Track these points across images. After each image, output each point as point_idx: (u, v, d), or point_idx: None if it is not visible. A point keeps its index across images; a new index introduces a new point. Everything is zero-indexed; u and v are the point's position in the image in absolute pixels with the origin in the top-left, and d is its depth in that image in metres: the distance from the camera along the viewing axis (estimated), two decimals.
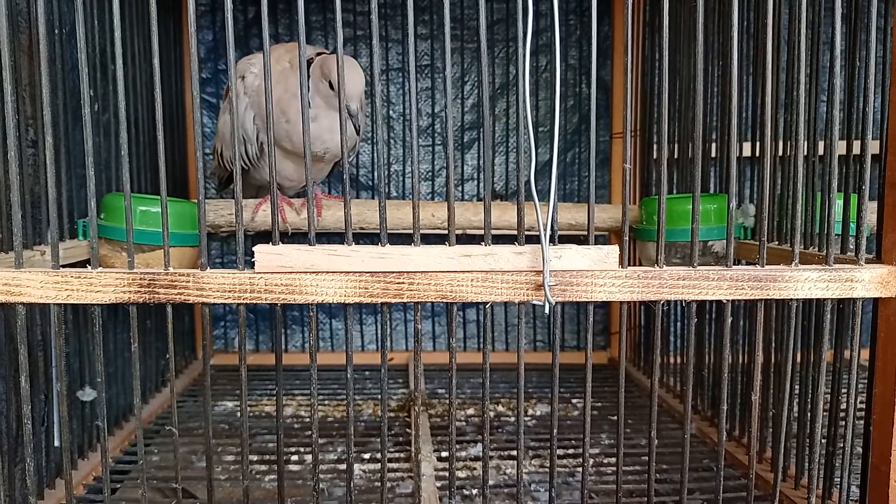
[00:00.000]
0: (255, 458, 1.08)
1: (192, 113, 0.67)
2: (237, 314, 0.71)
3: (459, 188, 1.65)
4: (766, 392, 0.98)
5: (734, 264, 0.73)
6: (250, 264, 0.69)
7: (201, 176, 0.68)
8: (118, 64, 0.66)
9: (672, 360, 1.38)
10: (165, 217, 0.69)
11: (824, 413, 0.84)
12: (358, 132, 1.11)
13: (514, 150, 1.66)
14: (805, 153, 0.90)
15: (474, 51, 1.62)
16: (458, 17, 1.61)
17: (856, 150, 0.77)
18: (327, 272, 0.68)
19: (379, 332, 1.65)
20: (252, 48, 1.59)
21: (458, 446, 1.11)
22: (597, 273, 0.69)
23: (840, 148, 0.78)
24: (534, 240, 0.68)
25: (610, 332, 1.69)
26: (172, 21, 1.42)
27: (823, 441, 0.86)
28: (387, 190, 1.64)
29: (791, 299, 0.72)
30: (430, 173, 1.66)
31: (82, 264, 0.85)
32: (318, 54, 1.12)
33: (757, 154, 1.07)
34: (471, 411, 1.30)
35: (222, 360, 1.63)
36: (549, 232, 0.67)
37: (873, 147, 0.73)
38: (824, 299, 0.73)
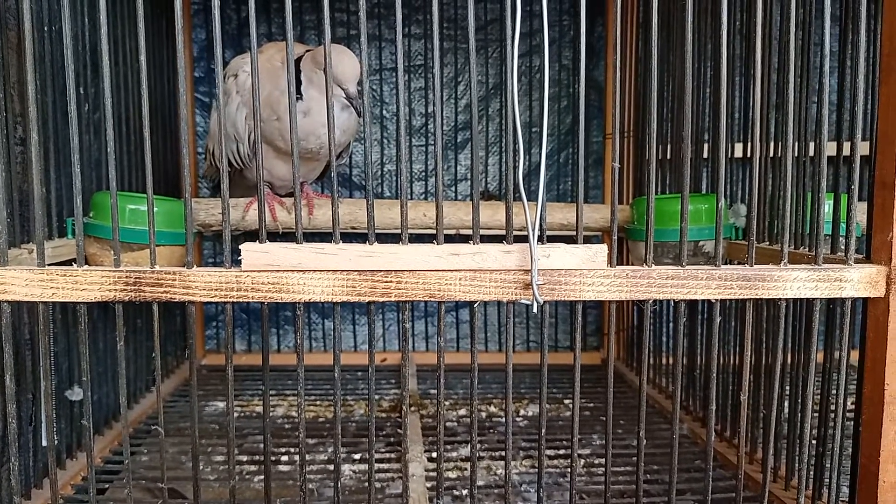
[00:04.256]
0: (245, 458, 1.07)
1: (181, 111, 0.67)
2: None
3: (453, 188, 1.65)
4: (757, 392, 0.98)
5: (725, 264, 0.72)
6: (239, 263, 0.69)
7: (189, 174, 0.68)
8: (105, 61, 0.66)
9: (664, 361, 1.38)
10: (151, 215, 0.69)
11: (814, 414, 0.84)
12: (359, 115, 1.08)
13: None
14: (795, 154, 0.90)
15: (468, 51, 1.61)
16: (451, 18, 1.61)
17: (846, 150, 0.77)
18: (314, 271, 0.68)
19: (368, 331, 1.64)
20: (245, 47, 1.58)
21: (449, 447, 1.11)
22: (585, 272, 0.69)
23: (831, 149, 0.78)
24: (523, 239, 0.68)
25: (603, 333, 1.69)
26: (165, 19, 1.41)
27: (813, 442, 0.86)
28: (380, 190, 1.64)
29: (780, 299, 0.72)
30: (424, 173, 1.65)
31: (71, 263, 0.84)
32: (308, 51, 1.12)
33: (749, 154, 1.07)
34: (462, 412, 1.29)
35: (214, 360, 1.62)
36: (537, 231, 0.67)
37: (863, 148, 0.73)
38: (813, 299, 0.73)
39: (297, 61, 1.09)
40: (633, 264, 1.04)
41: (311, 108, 1.07)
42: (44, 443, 0.92)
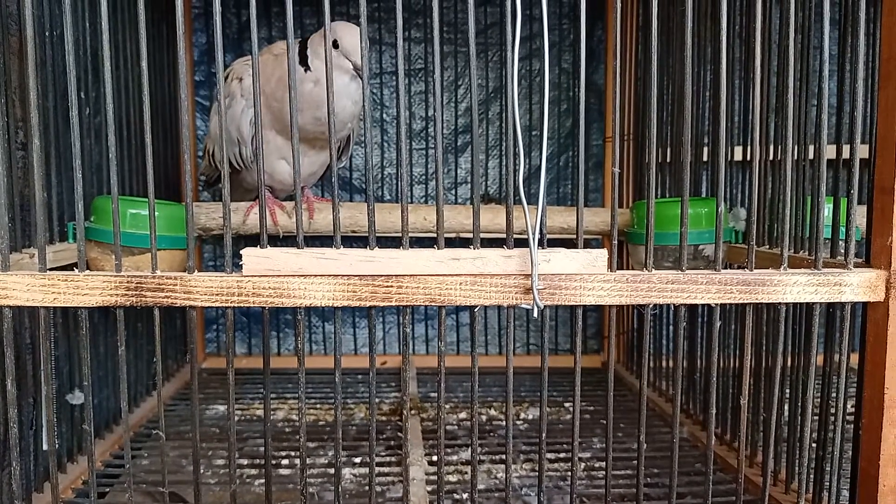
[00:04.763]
0: (245, 462, 1.07)
1: (182, 115, 0.67)
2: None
3: (453, 191, 1.65)
4: (757, 396, 0.98)
5: (725, 268, 0.73)
6: (239, 267, 0.69)
7: (190, 178, 0.68)
8: (106, 66, 0.66)
9: (665, 364, 1.38)
10: (153, 219, 0.69)
11: (814, 417, 0.84)
12: (363, 83, 1.10)
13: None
14: (795, 157, 0.90)
15: (468, 54, 1.62)
16: (451, 21, 1.62)
17: (846, 154, 0.78)
18: (315, 275, 0.68)
19: (369, 335, 1.64)
20: (245, 51, 1.59)
21: (449, 450, 1.11)
22: (585, 277, 0.69)
23: (830, 152, 0.78)
24: (523, 243, 0.68)
25: (603, 336, 1.69)
26: (166, 24, 1.41)
27: (813, 445, 0.86)
28: (381, 193, 1.64)
29: (780, 303, 0.72)
30: (424, 177, 1.66)
31: (73, 267, 0.84)
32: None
33: (748, 158, 1.07)
34: (463, 415, 1.30)
35: (215, 364, 1.63)
36: (537, 235, 0.67)
37: (863, 151, 0.74)
38: (813, 303, 0.73)
39: (303, 42, 1.10)
40: (633, 268, 1.04)
41: (321, 79, 1.08)
42: (45, 447, 0.92)
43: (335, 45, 1.05)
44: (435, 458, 1.06)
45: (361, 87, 1.11)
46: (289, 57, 0.68)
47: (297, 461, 1.07)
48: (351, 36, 1.06)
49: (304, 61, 1.08)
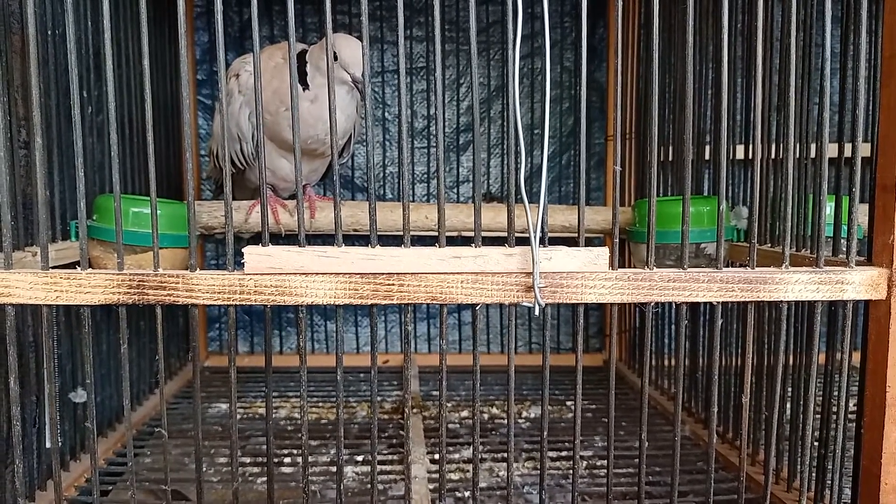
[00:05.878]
0: (248, 460, 1.07)
1: (184, 113, 0.67)
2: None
3: (454, 190, 1.65)
4: (759, 394, 0.98)
5: (726, 266, 0.73)
6: (241, 265, 0.69)
7: (191, 177, 0.68)
8: (107, 64, 0.66)
9: (667, 362, 1.38)
10: (154, 217, 0.69)
11: (816, 415, 0.84)
12: (363, 98, 1.11)
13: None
14: (797, 155, 0.90)
15: (469, 53, 1.62)
16: (453, 20, 1.62)
17: (847, 152, 0.77)
18: (317, 274, 0.68)
19: (370, 333, 1.64)
20: (247, 49, 1.59)
21: (451, 448, 1.11)
22: (587, 275, 0.69)
23: (832, 150, 0.78)
24: (525, 242, 0.69)
25: (604, 334, 1.69)
26: (168, 22, 1.41)
27: (815, 443, 0.86)
28: (383, 192, 1.64)
29: (781, 301, 0.72)
30: (426, 175, 1.66)
31: (75, 265, 0.85)
32: (311, 45, 1.14)
33: (750, 156, 1.07)
34: (465, 413, 1.30)
35: (217, 362, 1.63)
36: (538, 233, 0.67)
37: (864, 150, 0.73)
38: (815, 301, 0.73)
39: (302, 54, 1.10)
40: (634, 266, 1.04)
41: (319, 95, 1.09)
42: (47, 445, 0.92)
43: (334, 57, 1.05)
44: (437, 456, 1.06)
45: (356, 100, 1.11)
46: (290, 65, 0.68)
47: (300, 459, 1.07)
48: (350, 48, 1.06)
49: (302, 78, 1.08)
